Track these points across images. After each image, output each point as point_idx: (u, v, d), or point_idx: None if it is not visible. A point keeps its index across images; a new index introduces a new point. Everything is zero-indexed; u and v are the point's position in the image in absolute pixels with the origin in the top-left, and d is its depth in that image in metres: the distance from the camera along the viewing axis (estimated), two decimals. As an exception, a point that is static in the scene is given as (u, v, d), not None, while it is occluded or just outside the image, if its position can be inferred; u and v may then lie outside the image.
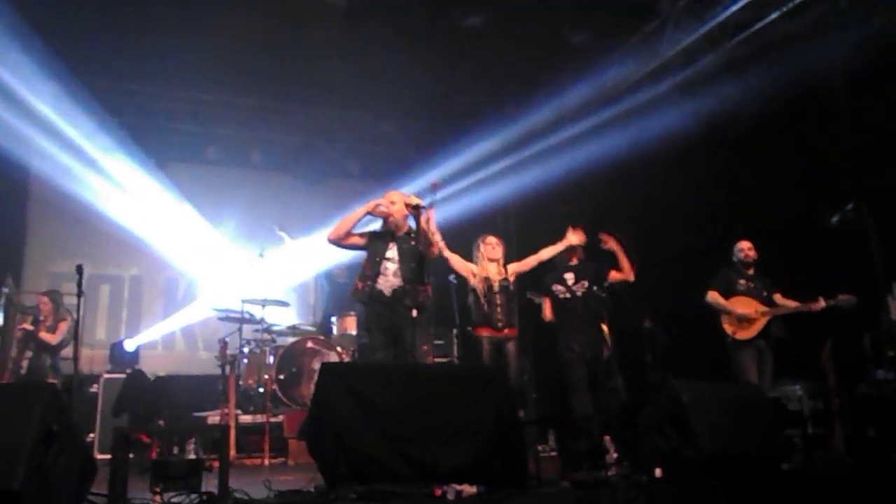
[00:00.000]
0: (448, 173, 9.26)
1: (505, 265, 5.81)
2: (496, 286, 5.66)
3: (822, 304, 5.47)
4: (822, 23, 6.19)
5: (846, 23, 6.06)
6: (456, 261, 5.76)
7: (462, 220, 7.81)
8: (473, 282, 5.72)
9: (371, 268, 5.00)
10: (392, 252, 5.02)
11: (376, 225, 5.22)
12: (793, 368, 5.96)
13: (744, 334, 5.67)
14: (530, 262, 5.83)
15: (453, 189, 8.84)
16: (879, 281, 4.67)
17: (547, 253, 5.79)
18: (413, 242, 5.00)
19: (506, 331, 5.63)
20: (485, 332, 5.62)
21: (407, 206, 4.96)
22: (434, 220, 5.43)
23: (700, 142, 6.89)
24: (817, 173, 6.29)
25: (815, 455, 4.87)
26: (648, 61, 7.23)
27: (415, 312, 4.75)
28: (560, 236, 5.76)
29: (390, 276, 4.97)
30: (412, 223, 5.01)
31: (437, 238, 5.37)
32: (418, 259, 4.91)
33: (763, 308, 5.70)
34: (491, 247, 5.78)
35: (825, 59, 6.10)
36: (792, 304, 5.71)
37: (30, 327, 7.09)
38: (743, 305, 5.74)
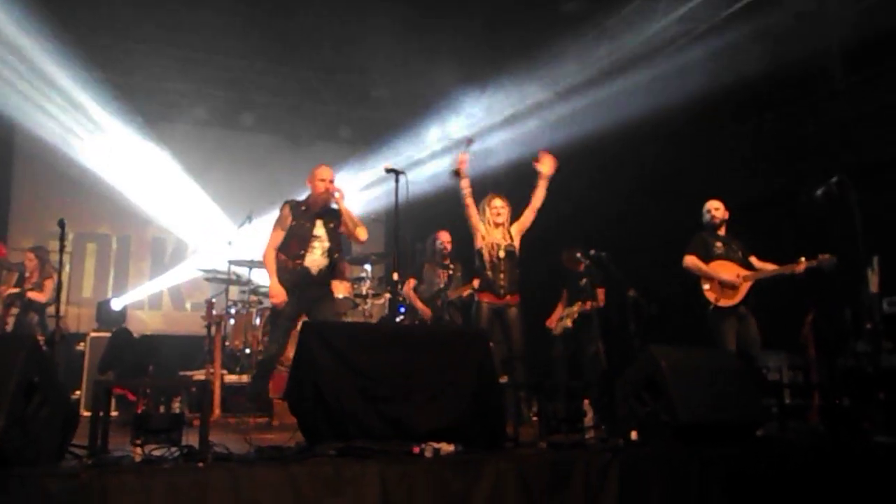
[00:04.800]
0: (440, 140, 9.26)
1: (509, 228, 5.75)
2: (502, 252, 5.64)
3: (803, 265, 5.26)
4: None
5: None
6: (472, 212, 5.73)
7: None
8: (480, 244, 5.71)
9: (299, 245, 5.16)
10: (319, 230, 5.22)
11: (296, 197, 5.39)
12: (774, 339, 6.02)
13: (726, 301, 5.47)
14: (528, 216, 5.78)
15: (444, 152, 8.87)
16: (860, 254, 4.72)
17: (537, 199, 5.75)
18: (333, 224, 5.27)
19: (507, 297, 5.62)
20: (486, 299, 5.64)
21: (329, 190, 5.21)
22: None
23: (692, 114, 6.88)
24: (804, 148, 6.30)
25: (790, 424, 4.94)
26: (642, 32, 7.19)
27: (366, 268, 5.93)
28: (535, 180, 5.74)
29: (318, 255, 5.19)
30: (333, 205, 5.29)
31: (466, 183, 5.67)
32: (338, 240, 5.30)
33: (745, 272, 5.50)
34: (496, 211, 5.71)
35: (820, 34, 6.08)
36: (771, 266, 5.53)
37: (15, 290, 7.07)
38: (724, 270, 5.52)
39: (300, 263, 5.14)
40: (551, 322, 7.04)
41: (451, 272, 7.02)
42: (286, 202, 5.33)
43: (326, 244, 5.22)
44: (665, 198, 7.21)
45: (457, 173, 5.68)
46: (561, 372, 6.90)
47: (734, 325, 5.48)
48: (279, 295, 5.10)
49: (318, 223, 5.25)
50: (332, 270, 5.29)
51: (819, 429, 5.04)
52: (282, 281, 5.15)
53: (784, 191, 6.33)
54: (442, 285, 6.99)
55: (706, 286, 5.56)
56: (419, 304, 7.00)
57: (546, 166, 5.71)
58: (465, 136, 5.89)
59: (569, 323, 6.87)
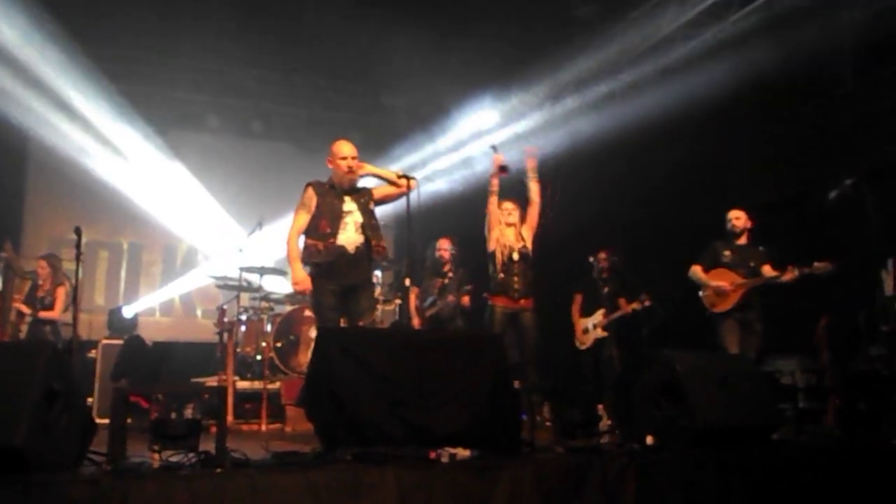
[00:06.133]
0: (450, 146, 9.28)
1: (520, 230, 5.74)
2: (516, 255, 5.63)
3: (792, 274, 5.43)
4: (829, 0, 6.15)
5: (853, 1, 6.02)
6: (493, 213, 5.71)
7: (468, 191, 7.87)
8: (492, 247, 5.69)
9: (329, 223, 4.71)
10: (350, 205, 4.82)
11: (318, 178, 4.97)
12: (787, 343, 6.01)
13: (721, 307, 5.71)
14: (532, 212, 5.76)
15: (455, 160, 8.90)
16: (875, 257, 4.70)
17: (533, 193, 5.73)
18: (364, 199, 4.88)
19: (521, 301, 5.60)
20: (500, 303, 5.60)
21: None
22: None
23: (700, 118, 6.87)
24: (817, 150, 6.28)
25: (806, 427, 4.92)
26: (652, 35, 7.19)
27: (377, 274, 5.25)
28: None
29: (352, 232, 4.77)
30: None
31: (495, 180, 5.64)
32: (372, 215, 4.88)
33: (739, 280, 5.69)
34: (507, 212, 5.72)
35: (831, 36, 6.07)
36: (767, 275, 5.67)
37: (27, 310, 7.06)
38: (720, 278, 5.76)
39: (333, 243, 4.68)
40: (580, 336, 6.93)
41: (444, 281, 6.98)
42: (308, 184, 4.87)
43: (360, 219, 4.78)
44: (678, 203, 7.20)
45: (503, 169, 5.61)
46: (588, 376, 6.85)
47: (734, 329, 5.70)
48: (303, 282, 4.65)
49: (347, 199, 4.81)
50: (371, 249, 4.80)
51: (835, 432, 5.02)
52: (316, 267, 4.72)
53: (796, 194, 6.31)
54: (435, 295, 6.96)
55: (702, 293, 5.86)
56: (414, 316, 6.93)
57: (529, 159, 5.74)
58: (490, 144, 5.86)
59: (601, 332, 6.76)
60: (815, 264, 5.32)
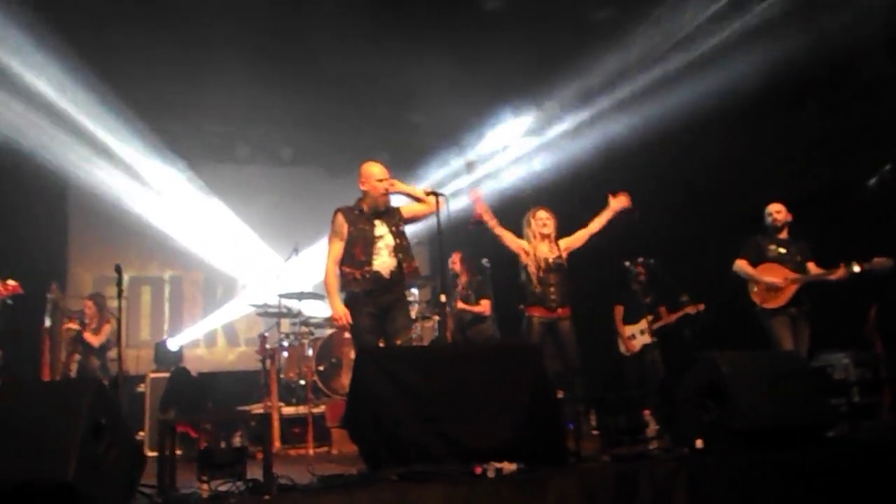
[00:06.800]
0: (480, 157, 9.31)
1: (556, 241, 5.69)
2: (550, 265, 5.58)
3: (841, 272, 5.27)
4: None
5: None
6: (508, 238, 5.69)
7: (503, 199, 7.89)
8: (526, 260, 5.64)
9: (363, 250, 4.75)
10: (381, 230, 4.84)
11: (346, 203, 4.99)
12: (838, 337, 5.85)
13: (773, 303, 5.53)
14: (581, 236, 5.70)
15: (484, 173, 8.91)
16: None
17: (596, 225, 5.68)
18: (394, 219, 4.90)
19: (559, 311, 5.55)
20: (537, 313, 5.55)
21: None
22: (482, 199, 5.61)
23: (734, 112, 6.77)
24: (850, 139, 6.14)
25: (862, 423, 4.77)
26: (676, 32, 7.13)
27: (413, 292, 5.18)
28: (603, 206, 5.69)
29: (386, 256, 4.78)
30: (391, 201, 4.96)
31: (489, 217, 5.58)
32: (404, 237, 4.90)
33: (793, 275, 5.52)
34: (542, 222, 5.66)
35: (860, 23, 5.95)
36: (817, 272, 5.52)
37: (76, 326, 7.30)
38: (771, 273, 5.58)
39: (369, 270, 4.71)
40: (627, 342, 6.90)
41: (458, 290, 7.12)
42: (337, 210, 4.89)
43: (391, 242, 4.80)
44: (711, 199, 7.10)
45: (479, 223, 5.58)
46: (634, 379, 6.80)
47: (787, 324, 5.52)
48: (342, 316, 4.68)
49: (378, 223, 4.84)
50: (403, 271, 4.82)
51: (893, 426, 4.86)
52: (353, 294, 4.74)
53: (832, 184, 6.17)
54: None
55: (753, 289, 5.66)
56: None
57: (619, 202, 5.66)
58: (467, 161, 5.82)
59: (649, 338, 6.69)
60: (875, 260, 5.15)
